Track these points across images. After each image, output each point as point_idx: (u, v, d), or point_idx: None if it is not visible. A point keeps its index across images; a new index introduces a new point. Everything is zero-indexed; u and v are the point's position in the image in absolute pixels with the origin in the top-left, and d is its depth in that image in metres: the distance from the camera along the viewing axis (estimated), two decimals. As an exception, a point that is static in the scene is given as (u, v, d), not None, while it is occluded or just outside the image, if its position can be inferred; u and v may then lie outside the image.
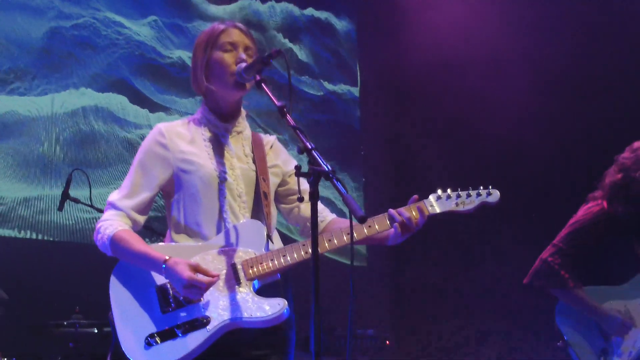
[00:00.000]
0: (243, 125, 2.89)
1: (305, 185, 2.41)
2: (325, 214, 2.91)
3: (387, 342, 6.31)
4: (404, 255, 7.18)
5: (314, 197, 2.30)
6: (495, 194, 2.76)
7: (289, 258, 2.65)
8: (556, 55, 6.48)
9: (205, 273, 2.58)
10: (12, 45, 5.70)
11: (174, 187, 2.77)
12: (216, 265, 2.65)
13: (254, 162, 2.81)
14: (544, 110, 6.49)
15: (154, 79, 6.42)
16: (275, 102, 2.49)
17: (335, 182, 2.26)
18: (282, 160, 2.91)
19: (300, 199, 2.52)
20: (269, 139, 2.94)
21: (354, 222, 2.30)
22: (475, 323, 6.76)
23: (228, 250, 2.67)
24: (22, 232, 5.54)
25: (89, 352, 4.60)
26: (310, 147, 2.35)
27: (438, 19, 7.28)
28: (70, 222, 5.72)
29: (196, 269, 2.56)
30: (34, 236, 5.57)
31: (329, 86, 7.75)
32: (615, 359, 3.76)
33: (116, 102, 6.13)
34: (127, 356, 2.60)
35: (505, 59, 6.71)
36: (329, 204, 6.48)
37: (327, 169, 2.27)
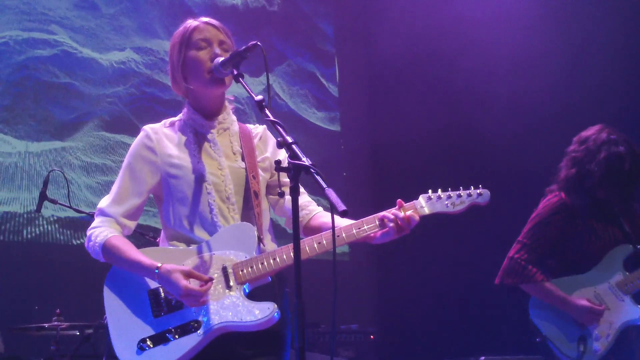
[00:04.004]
0: (229, 120, 2.85)
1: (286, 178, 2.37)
2: (312, 207, 2.87)
3: (372, 336, 6.32)
4: (386, 249, 7.14)
5: (295, 191, 2.28)
6: (486, 195, 2.74)
7: (278, 260, 2.63)
8: (539, 50, 6.47)
9: (198, 278, 2.59)
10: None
11: (162, 191, 2.77)
12: (207, 269, 2.65)
13: (243, 159, 2.78)
14: (526, 105, 6.48)
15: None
16: (253, 96, 2.46)
17: (316, 175, 2.24)
18: (271, 151, 2.87)
19: (282, 194, 2.51)
20: (258, 130, 2.90)
21: (338, 218, 2.29)
22: (460, 317, 6.77)
23: (219, 254, 2.66)
24: (1, 235, 5.48)
25: (70, 355, 4.57)
26: (290, 141, 2.33)
27: (417, 12, 7.28)
28: (50, 224, 5.65)
29: (189, 274, 2.58)
30: (12, 238, 5.50)
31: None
32: (595, 343, 3.79)
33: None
34: None
35: (487, 52, 6.71)
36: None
37: (307, 163, 2.26)
